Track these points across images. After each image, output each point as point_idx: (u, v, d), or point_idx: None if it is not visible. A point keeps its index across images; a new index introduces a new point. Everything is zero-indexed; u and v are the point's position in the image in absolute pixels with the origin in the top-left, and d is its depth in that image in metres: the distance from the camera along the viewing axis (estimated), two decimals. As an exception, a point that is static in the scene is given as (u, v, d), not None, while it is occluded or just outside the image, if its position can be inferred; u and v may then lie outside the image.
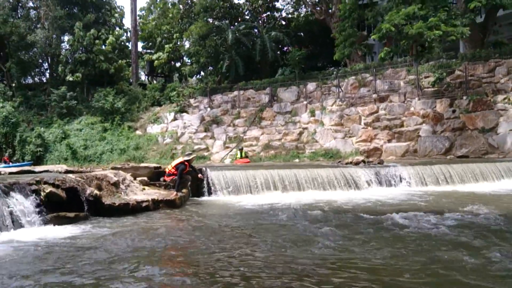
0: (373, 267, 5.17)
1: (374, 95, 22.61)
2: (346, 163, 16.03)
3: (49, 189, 8.62)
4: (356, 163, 15.61)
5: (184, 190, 11.69)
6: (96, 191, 9.40)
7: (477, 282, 4.57)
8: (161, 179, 12.60)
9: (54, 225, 8.05)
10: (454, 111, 20.10)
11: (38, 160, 27.65)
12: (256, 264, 5.39)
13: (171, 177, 11.70)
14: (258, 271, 5.08)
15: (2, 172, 12.23)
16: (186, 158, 11.89)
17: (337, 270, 5.09)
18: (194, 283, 4.72)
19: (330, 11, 29.25)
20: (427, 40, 20.02)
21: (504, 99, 19.18)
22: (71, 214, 8.61)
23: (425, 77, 21.66)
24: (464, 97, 20.02)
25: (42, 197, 8.41)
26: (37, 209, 8.13)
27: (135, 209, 9.73)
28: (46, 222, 8.07)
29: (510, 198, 11.33)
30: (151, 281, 4.79)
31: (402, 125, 21.27)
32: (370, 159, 17.06)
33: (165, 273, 5.09)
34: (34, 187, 8.51)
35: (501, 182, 14.00)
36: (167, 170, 12.07)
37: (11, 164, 24.66)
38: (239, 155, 22.14)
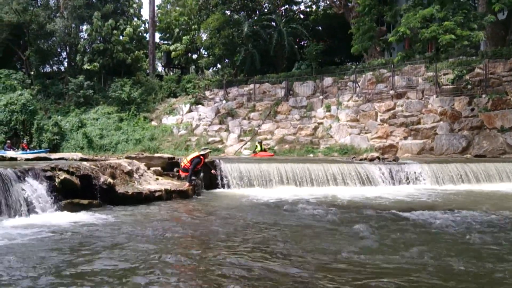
0: (381, 263, 5.11)
1: (392, 91, 22.33)
2: (361, 159, 15.87)
3: (63, 175, 8.69)
4: (371, 160, 15.45)
5: (197, 181, 11.74)
6: (110, 180, 9.46)
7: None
8: (175, 169, 12.65)
9: (68, 211, 8.14)
10: (472, 110, 19.75)
11: (54, 148, 28.00)
12: (265, 256, 5.36)
13: (185, 173, 11.56)
14: (268, 262, 5.06)
15: (19, 158, 12.39)
16: (202, 152, 11.96)
17: (350, 265, 5.03)
18: (205, 271, 4.71)
19: (349, 5, 28.91)
20: (442, 44, 19.68)
21: (525, 98, 18.79)
22: (85, 201, 8.70)
23: (444, 74, 21.30)
24: (483, 96, 19.66)
25: (56, 184, 8.50)
26: (51, 195, 8.22)
27: (148, 198, 9.79)
28: (59, 209, 8.16)
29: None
30: (162, 268, 4.80)
31: (419, 123, 20.98)
32: (385, 156, 16.89)
33: (176, 261, 5.10)
34: (49, 173, 8.59)
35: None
36: (182, 164, 12.01)
37: (28, 151, 25.02)
38: (259, 148, 21.68)
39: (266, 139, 25.20)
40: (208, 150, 12.61)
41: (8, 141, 26.43)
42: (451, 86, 20.80)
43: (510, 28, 22.58)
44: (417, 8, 20.64)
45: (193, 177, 11.37)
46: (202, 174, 12.01)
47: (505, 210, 8.82)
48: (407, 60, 22.55)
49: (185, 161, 11.96)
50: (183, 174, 11.82)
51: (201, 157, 11.66)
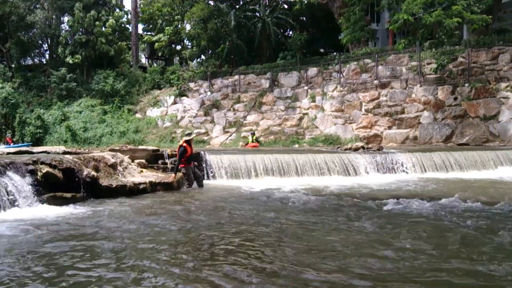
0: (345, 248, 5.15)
1: (376, 81, 22.45)
2: (345, 149, 15.96)
3: (45, 169, 8.59)
4: (356, 150, 15.54)
5: (181, 173, 11.64)
6: (93, 172, 9.37)
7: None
8: (159, 161, 12.58)
9: (51, 205, 8.05)
10: (455, 99, 19.96)
11: (37, 141, 27.60)
12: (249, 244, 5.37)
13: (182, 165, 11.06)
14: (250, 251, 5.06)
15: (0, 153, 12.19)
16: (186, 138, 11.30)
17: (322, 252, 5.07)
18: (188, 262, 4.70)
19: (333, -5, 28.82)
20: (447, 29, 19.34)
21: (507, 87, 19.03)
22: (68, 195, 8.61)
23: (428, 64, 21.45)
24: (466, 85, 19.87)
25: (38, 177, 8.39)
26: (34, 189, 8.11)
27: (132, 191, 9.73)
28: (42, 202, 8.07)
29: (505, 185, 11.34)
30: (143, 261, 4.77)
31: (403, 112, 21.15)
32: (370, 146, 16.99)
33: (158, 253, 5.07)
34: (31, 167, 8.48)
35: (500, 170, 13.94)
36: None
37: (12, 144, 24.66)
38: (250, 139, 21.67)
39: (251, 130, 25.15)
40: (193, 135, 12.20)
41: None
42: (434, 76, 20.97)
43: (493, 17, 22.78)
44: None
45: (190, 167, 11.02)
46: (196, 163, 11.68)
47: (484, 197, 8.98)
48: (410, 47, 22.23)
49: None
50: (183, 168, 11.13)
51: (185, 144, 11.04)
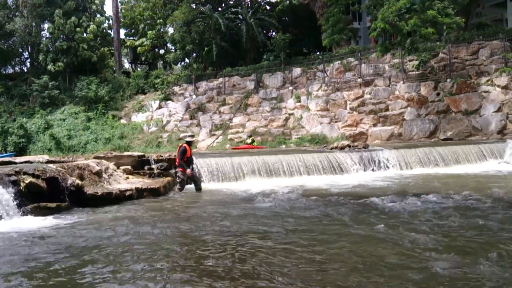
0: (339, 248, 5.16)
1: (359, 80, 22.59)
2: (332, 148, 16.01)
3: (28, 179, 8.44)
4: (342, 148, 15.60)
5: (168, 178, 11.58)
6: (77, 181, 9.24)
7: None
8: (146, 167, 12.47)
9: (35, 215, 7.91)
10: (438, 94, 20.18)
11: (21, 151, 27.21)
12: (240, 252, 5.34)
13: (180, 169, 10.97)
14: (239, 257, 5.04)
15: (-18, 164, 11.97)
16: (188, 139, 11.47)
17: (323, 253, 5.07)
18: (176, 271, 4.65)
19: (314, -5, 28.92)
20: (423, 35, 19.00)
21: (487, 81, 19.29)
22: (52, 205, 8.46)
23: (410, 61, 21.67)
24: (448, 80, 20.09)
25: (21, 188, 8.25)
26: (16, 200, 7.96)
27: (119, 198, 9.60)
28: (26, 213, 7.93)
29: (489, 178, 11.49)
30: (130, 271, 4.71)
31: (387, 109, 21.32)
32: (356, 144, 17.08)
33: (145, 262, 5.01)
34: (13, 177, 8.32)
35: (484, 163, 14.14)
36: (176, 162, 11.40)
37: (-3, 154, 24.27)
38: (248, 141, 21.86)
39: (238, 132, 25.16)
40: (194, 138, 12.23)
41: None
42: (417, 72, 21.17)
43: (471, 12, 23.09)
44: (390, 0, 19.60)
45: (188, 170, 10.85)
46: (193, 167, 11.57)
47: (469, 190, 9.08)
48: (387, 53, 22.14)
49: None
50: (180, 171, 11.04)
51: (185, 145, 11.13)
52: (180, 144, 11.41)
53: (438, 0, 18.80)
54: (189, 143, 11.39)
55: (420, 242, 5.33)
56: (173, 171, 12.26)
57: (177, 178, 11.20)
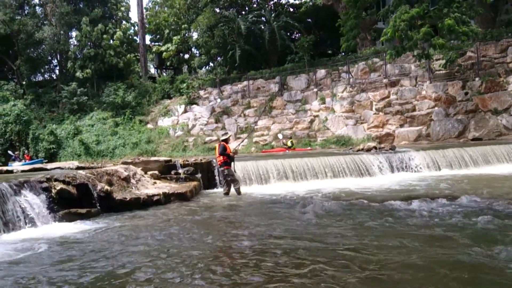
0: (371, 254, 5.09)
1: (385, 80, 22.31)
2: (358, 150, 15.88)
3: (59, 186, 8.65)
4: (368, 150, 15.46)
5: (195, 183, 11.70)
6: (106, 187, 9.42)
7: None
8: (172, 172, 12.61)
9: (66, 221, 8.10)
10: (466, 93, 19.75)
11: (52, 157, 27.88)
12: (271, 256, 5.34)
13: (227, 167, 11.26)
14: (274, 264, 5.04)
15: (15, 170, 12.33)
16: (223, 138, 12.02)
17: (345, 260, 5.02)
18: (207, 277, 4.69)
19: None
20: (434, 45, 18.19)
21: (518, 79, 18.77)
22: (83, 210, 8.65)
23: (436, 60, 21.26)
24: (476, 79, 19.65)
25: (53, 195, 8.45)
26: (49, 207, 8.17)
27: (146, 203, 9.75)
28: (58, 219, 8.12)
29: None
30: (164, 276, 4.77)
31: (414, 110, 20.98)
32: (382, 145, 16.87)
33: (177, 267, 5.06)
34: (45, 184, 8.54)
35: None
36: (218, 161, 11.61)
37: (27, 161, 24.95)
38: (289, 144, 22.21)
39: (263, 135, 25.18)
40: (228, 135, 12.64)
41: (16, 152, 26.58)
42: (443, 71, 20.78)
43: (500, 9, 22.52)
44: (403, 7, 18.60)
45: (225, 173, 11.16)
46: (200, 175, 11.74)
47: (504, 194, 8.83)
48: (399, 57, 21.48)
49: (217, 159, 11.64)
50: (226, 169, 11.28)
51: (223, 143, 11.56)
52: (219, 143, 11.79)
53: (456, 4, 18.05)
54: (226, 141, 11.82)
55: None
56: (199, 175, 12.42)
57: (224, 178, 11.32)
